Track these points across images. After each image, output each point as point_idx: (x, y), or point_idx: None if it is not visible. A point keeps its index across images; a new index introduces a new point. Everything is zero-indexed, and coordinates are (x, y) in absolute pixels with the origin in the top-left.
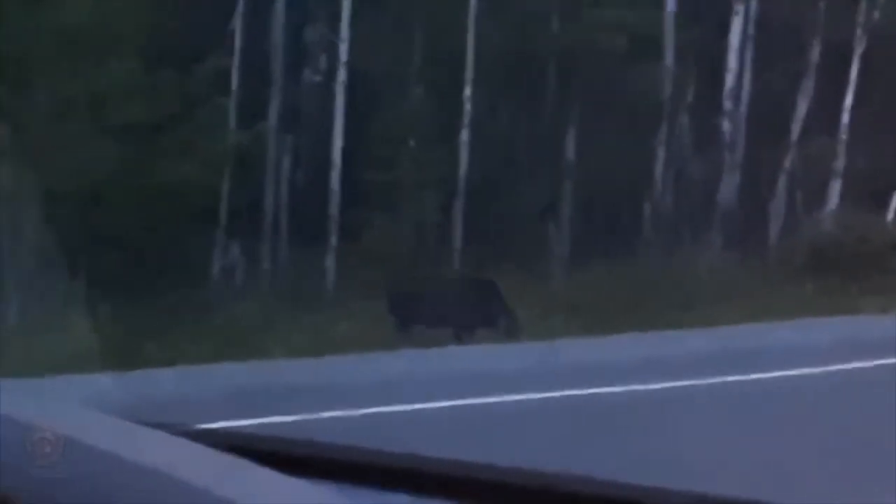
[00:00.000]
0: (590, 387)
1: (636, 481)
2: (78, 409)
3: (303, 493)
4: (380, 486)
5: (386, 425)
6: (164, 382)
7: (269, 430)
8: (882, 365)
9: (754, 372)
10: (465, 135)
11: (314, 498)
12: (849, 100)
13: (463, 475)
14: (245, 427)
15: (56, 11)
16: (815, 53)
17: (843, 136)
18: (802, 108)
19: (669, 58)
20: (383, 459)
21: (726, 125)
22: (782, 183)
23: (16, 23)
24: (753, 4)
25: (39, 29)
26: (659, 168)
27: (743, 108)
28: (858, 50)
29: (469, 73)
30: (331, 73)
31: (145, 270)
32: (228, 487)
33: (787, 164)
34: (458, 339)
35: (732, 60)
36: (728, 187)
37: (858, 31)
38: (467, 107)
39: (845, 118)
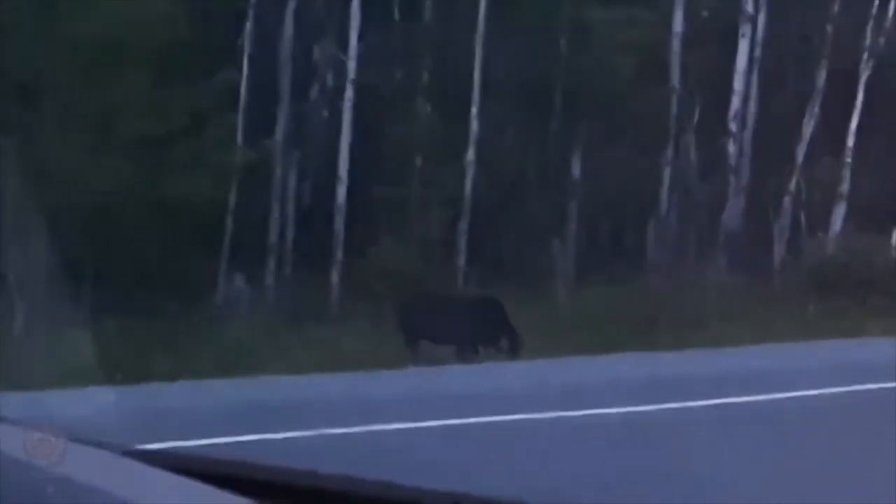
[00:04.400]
0: (592, 407)
1: (637, 502)
2: (12, 427)
3: None
4: None
5: (385, 443)
6: (165, 397)
7: (241, 448)
8: (884, 388)
9: (757, 393)
10: (471, 153)
11: None
12: (854, 123)
13: (408, 500)
14: (209, 446)
15: (67, 25)
16: (821, 77)
17: (848, 159)
18: (808, 131)
19: (676, 79)
20: (324, 482)
21: (732, 147)
22: (787, 205)
23: (27, 36)
24: (760, 27)
25: (50, 42)
26: (664, 189)
27: (748, 131)
28: (864, 74)
29: (476, 92)
30: (338, 91)
31: (150, 284)
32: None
33: (791, 186)
34: (462, 356)
35: (738, 82)
36: (733, 209)
37: (865, 55)
38: (474, 125)
39: (850, 141)
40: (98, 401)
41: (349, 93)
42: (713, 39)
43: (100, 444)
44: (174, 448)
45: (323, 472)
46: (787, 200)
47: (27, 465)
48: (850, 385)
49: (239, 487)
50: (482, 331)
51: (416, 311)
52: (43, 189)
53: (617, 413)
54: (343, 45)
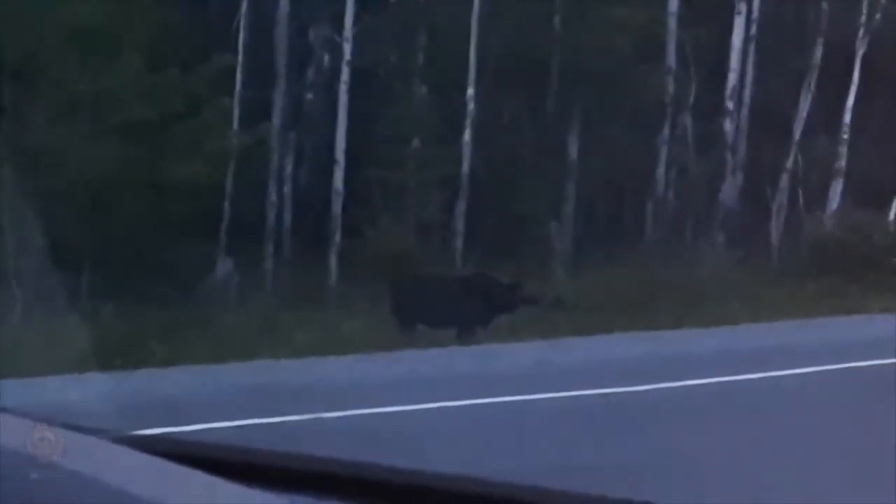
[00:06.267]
0: (592, 387)
1: (638, 482)
2: (13, 418)
3: (233, 497)
4: (317, 493)
5: (384, 425)
6: (163, 382)
7: (246, 432)
8: (884, 364)
9: (756, 371)
10: (468, 134)
11: (245, 500)
12: (851, 100)
13: (407, 483)
14: (207, 430)
15: (62, 10)
16: (817, 53)
17: (845, 135)
18: (804, 108)
19: (672, 58)
20: (320, 466)
21: (728, 125)
22: (784, 183)
23: (21, 21)
24: (756, 4)
25: (45, 27)
26: (661, 168)
27: (745, 108)
28: (861, 50)
29: (472, 73)
30: (334, 73)
31: (147, 269)
32: (155, 491)
33: (789, 164)
34: (461, 338)
35: (735, 60)
36: (730, 187)
37: (861, 32)
38: (471, 106)
39: (847, 118)
40: (96, 387)
41: (345, 75)
42: (709, 17)
43: (89, 430)
44: (167, 433)
45: (319, 456)
46: (784, 178)
47: (23, 457)
48: (848, 362)
49: (232, 472)
50: (477, 310)
51: (409, 295)
52: (38, 175)
53: (617, 392)
54: (338, 26)
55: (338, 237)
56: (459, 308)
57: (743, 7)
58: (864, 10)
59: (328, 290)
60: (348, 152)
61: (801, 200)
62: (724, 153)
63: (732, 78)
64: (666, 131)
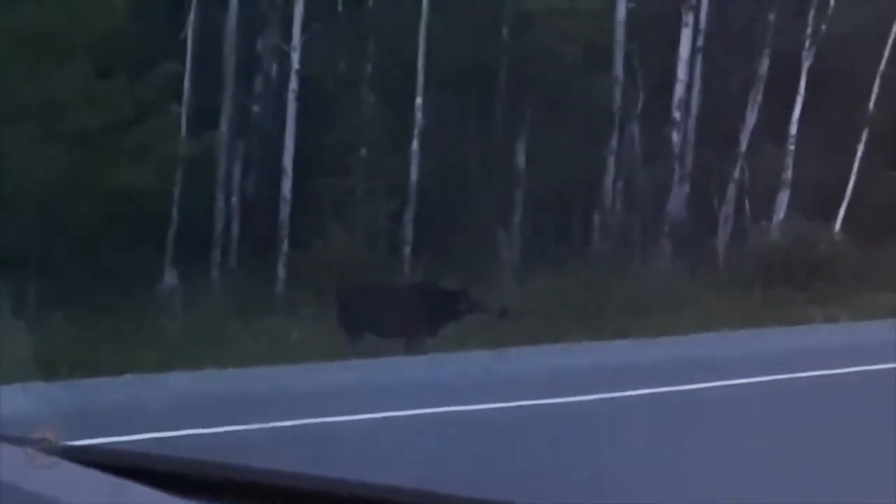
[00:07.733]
0: (538, 397)
1: (586, 492)
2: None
3: None
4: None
5: (331, 435)
6: (111, 391)
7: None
8: (829, 375)
9: (701, 381)
10: (416, 143)
11: None
12: (797, 111)
13: (343, 493)
14: (154, 440)
15: (9, 16)
16: (763, 65)
17: (792, 146)
18: (751, 118)
19: (619, 68)
20: (255, 476)
21: (676, 135)
22: (731, 193)
23: None
24: (703, 16)
25: None
26: (609, 177)
27: (692, 119)
28: (807, 62)
29: (420, 82)
30: (283, 81)
31: (94, 276)
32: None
33: (736, 174)
34: (409, 348)
35: (682, 71)
36: (677, 197)
37: (807, 43)
38: (419, 115)
39: (793, 129)
40: (41, 396)
41: (293, 84)
42: (656, 28)
43: (27, 441)
44: (109, 444)
45: (255, 467)
46: (731, 188)
47: None
48: (791, 372)
49: (174, 484)
50: (424, 319)
51: (356, 304)
52: None
53: (563, 403)
54: (286, 35)
55: (286, 245)
56: (407, 317)
57: (690, 18)
58: (811, 22)
59: (276, 298)
60: (296, 160)
61: (747, 210)
62: (672, 163)
63: (679, 88)
64: (613, 141)
